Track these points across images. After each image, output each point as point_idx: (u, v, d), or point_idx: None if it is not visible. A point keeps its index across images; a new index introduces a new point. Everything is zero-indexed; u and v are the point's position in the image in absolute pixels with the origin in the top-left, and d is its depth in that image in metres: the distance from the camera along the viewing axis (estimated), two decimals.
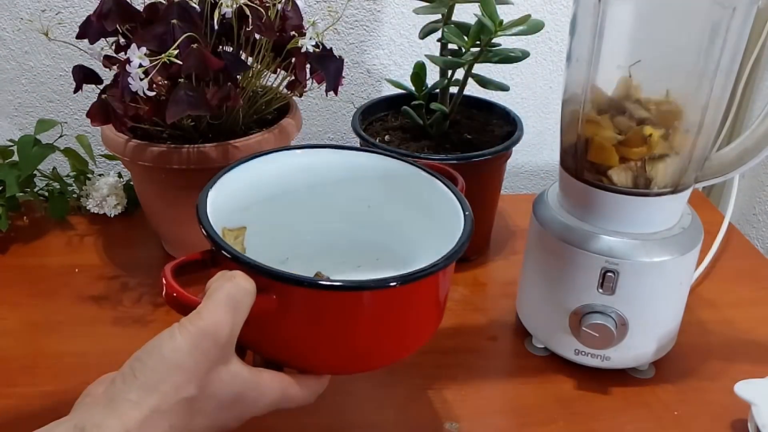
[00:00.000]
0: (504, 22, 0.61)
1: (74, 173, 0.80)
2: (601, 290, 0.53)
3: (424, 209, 0.50)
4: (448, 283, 0.47)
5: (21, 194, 0.75)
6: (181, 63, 0.53)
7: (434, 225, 0.48)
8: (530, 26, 0.61)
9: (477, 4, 0.61)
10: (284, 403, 0.41)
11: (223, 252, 0.40)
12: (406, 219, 0.52)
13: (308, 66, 0.62)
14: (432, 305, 0.45)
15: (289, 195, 0.52)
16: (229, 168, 0.49)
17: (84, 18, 0.59)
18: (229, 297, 0.37)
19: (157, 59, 0.52)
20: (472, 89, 0.70)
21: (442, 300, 0.46)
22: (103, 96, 0.58)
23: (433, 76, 0.71)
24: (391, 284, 0.39)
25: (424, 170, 0.51)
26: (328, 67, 0.62)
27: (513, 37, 0.61)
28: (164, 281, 0.38)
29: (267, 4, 0.58)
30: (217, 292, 0.37)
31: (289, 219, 0.53)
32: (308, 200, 0.53)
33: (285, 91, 0.67)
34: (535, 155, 0.97)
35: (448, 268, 0.43)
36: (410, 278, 0.40)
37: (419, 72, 0.69)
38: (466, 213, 0.46)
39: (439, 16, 0.68)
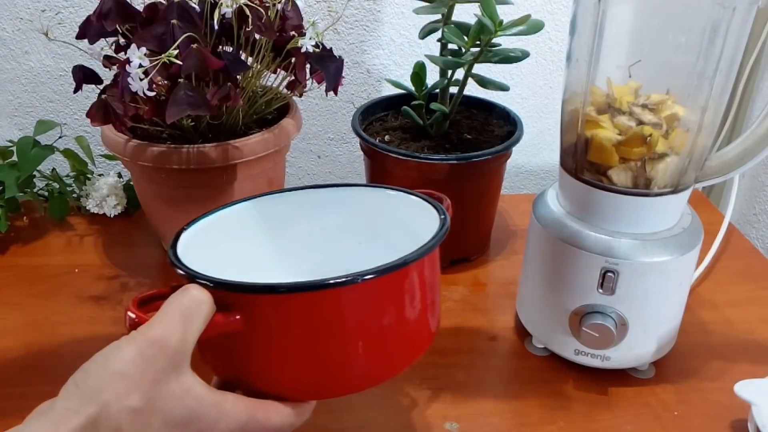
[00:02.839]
0: (504, 22, 0.61)
1: (74, 173, 0.80)
2: (601, 290, 0.53)
3: (410, 230, 0.47)
4: (433, 282, 0.43)
5: (21, 194, 0.75)
6: (181, 63, 0.53)
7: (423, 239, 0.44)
8: (530, 26, 0.61)
9: (477, 4, 0.61)
10: (253, 430, 0.38)
11: (176, 268, 0.39)
12: (398, 243, 0.46)
13: (308, 66, 0.62)
14: (415, 304, 0.41)
15: (269, 243, 0.51)
16: (205, 215, 0.48)
17: (84, 18, 0.59)
18: (179, 306, 0.36)
19: (157, 59, 0.52)
20: (472, 89, 0.70)
21: (429, 301, 0.43)
22: (103, 96, 0.58)
23: (433, 76, 0.71)
24: (366, 277, 0.37)
25: (402, 191, 0.49)
26: (328, 67, 0.62)
27: (513, 37, 0.61)
28: (127, 310, 0.37)
29: (267, 4, 0.58)
30: (169, 305, 0.36)
31: (278, 270, 0.50)
32: (295, 246, 0.51)
33: (285, 91, 0.67)
34: (535, 155, 0.97)
35: (425, 260, 0.40)
36: (385, 270, 0.37)
37: (419, 72, 0.69)
38: (442, 216, 0.44)
39: (439, 16, 0.68)
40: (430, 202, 0.46)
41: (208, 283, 0.38)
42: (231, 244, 0.49)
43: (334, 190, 0.51)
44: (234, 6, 0.56)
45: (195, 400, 0.36)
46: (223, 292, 0.38)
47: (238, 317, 0.38)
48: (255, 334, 0.38)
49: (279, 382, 0.40)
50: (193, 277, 0.38)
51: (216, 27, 0.56)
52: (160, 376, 0.35)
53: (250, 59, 0.61)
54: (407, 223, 0.47)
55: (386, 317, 0.40)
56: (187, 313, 0.36)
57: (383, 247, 0.46)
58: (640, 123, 0.50)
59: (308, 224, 0.52)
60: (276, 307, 0.38)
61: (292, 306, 0.38)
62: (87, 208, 0.77)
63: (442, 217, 0.44)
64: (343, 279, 0.37)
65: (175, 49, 0.53)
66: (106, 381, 0.34)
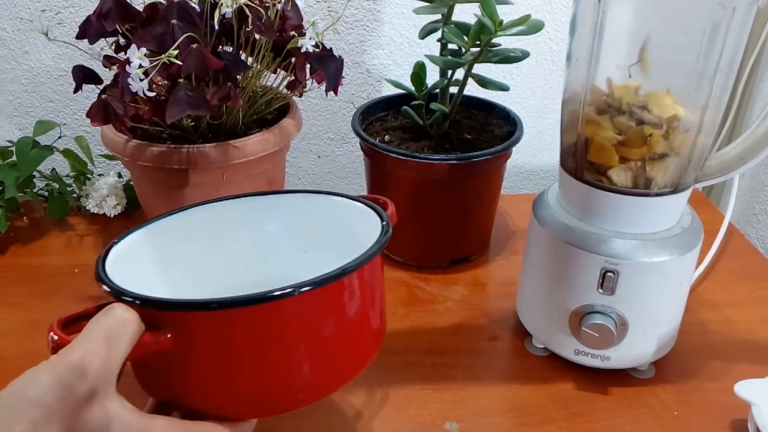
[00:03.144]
0: (504, 22, 0.61)
1: (74, 173, 0.80)
2: (601, 290, 0.53)
3: (355, 236, 0.45)
4: (376, 289, 0.42)
5: (20, 195, 0.75)
6: (181, 63, 0.53)
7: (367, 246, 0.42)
8: (530, 26, 0.61)
9: (477, 4, 0.61)
10: None
11: (102, 285, 0.38)
12: (343, 250, 0.44)
13: (308, 66, 0.62)
14: (358, 313, 0.40)
15: (213, 254, 0.50)
16: (147, 223, 0.47)
17: (84, 18, 0.59)
18: (102, 328, 0.34)
19: (157, 59, 0.52)
20: (472, 89, 0.70)
21: (372, 308, 0.41)
22: (103, 96, 0.58)
23: (433, 76, 0.71)
24: (303, 290, 0.35)
25: (344, 196, 0.48)
26: (328, 67, 0.62)
27: (513, 37, 0.61)
28: (50, 331, 0.35)
29: (267, 4, 0.58)
30: (91, 326, 0.34)
31: (221, 280, 0.49)
32: (240, 255, 0.50)
33: (285, 91, 0.67)
34: (535, 155, 0.97)
35: (365, 268, 0.39)
36: (323, 281, 0.36)
37: (419, 72, 0.69)
38: (384, 223, 0.43)
39: (439, 16, 0.68)
40: (373, 209, 0.46)
41: (134, 300, 0.36)
42: (167, 257, 0.47)
43: (276, 197, 0.51)
44: (234, 6, 0.56)
45: (121, 426, 0.34)
46: (152, 309, 0.36)
47: (168, 336, 0.36)
48: (188, 353, 0.37)
49: (217, 401, 0.38)
50: (119, 294, 0.37)
51: (216, 27, 0.56)
52: (81, 402, 0.33)
53: (250, 59, 0.61)
54: (352, 229, 0.46)
55: (327, 328, 0.39)
56: (110, 334, 0.34)
57: (329, 254, 0.45)
58: (640, 123, 0.50)
59: (250, 233, 0.50)
60: (208, 324, 0.36)
61: (226, 322, 0.36)
62: (87, 208, 0.77)
63: (384, 223, 0.43)
64: (279, 292, 0.35)
65: (175, 49, 0.53)
66: (21, 411, 0.31)
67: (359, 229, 0.45)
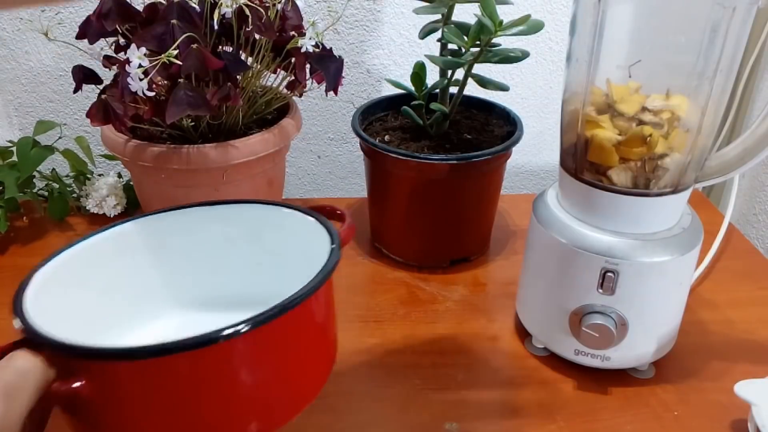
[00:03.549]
0: (504, 22, 0.61)
1: (74, 173, 0.80)
2: (601, 290, 0.53)
3: (307, 251, 0.42)
4: (321, 318, 0.39)
5: (20, 195, 0.75)
6: (180, 63, 0.53)
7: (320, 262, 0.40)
8: (530, 26, 0.61)
9: (477, 4, 0.61)
10: None
11: (15, 320, 0.35)
12: (296, 265, 0.42)
13: (308, 66, 0.62)
14: (301, 347, 0.37)
15: (154, 271, 0.47)
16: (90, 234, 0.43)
17: (84, 18, 0.59)
18: None
19: (156, 59, 0.52)
20: (472, 89, 0.70)
21: (320, 337, 0.39)
22: (103, 96, 0.58)
23: (433, 76, 0.71)
24: (242, 330, 0.32)
25: (296, 209, 0.46)
26: (328, 67, 0.62)
27: (513, 37, 0.61)
28: None
29: (267, 4, 0.58)
30: None
31: (169, 296, 0.47)
32: (185, 272, 0.47)
33: (285, 91, 0.67)
34: (535, 155, 0.97)
35: (311, 299, 0.36)
36: (259, 322, 0.33)
37: (419, 72, 0.69)
38: (333, 246, 0.40)
39: (439, 16, 0.68)
40: (324, 225, 0.43)
41: (43, 344, 0.33)
42: (106, 278, 0.44)
43: (225, 208, 0.48)
44: (234, 6, 0.56)
45: None
46: (63, 356, 0.33)
47: (82, 383, 0.33)
48: (106, 401, 0.34)
49: None
50: (31, 332, 0.34)
51: (216, 27, 0.56)
52: None
53: (250, 59, 0.61)
54: (306, 242, 0.44)
55: (269, 365, 0.36)
56: (7, 388, 0.31)
57: (284, 266, 0.42)
58: (640, 123, 0.50)
59: (200, 244, 0.48)
60: (129, 372, 0.33)
61: (149, 370, 0.33)
62: (87, 208, 0.77)
63: (333, 246, 0.40)
64: (210, 337, 0.32)
65: (174, 49, 0.53)
66: None
67: (314, 243, 0.42)
